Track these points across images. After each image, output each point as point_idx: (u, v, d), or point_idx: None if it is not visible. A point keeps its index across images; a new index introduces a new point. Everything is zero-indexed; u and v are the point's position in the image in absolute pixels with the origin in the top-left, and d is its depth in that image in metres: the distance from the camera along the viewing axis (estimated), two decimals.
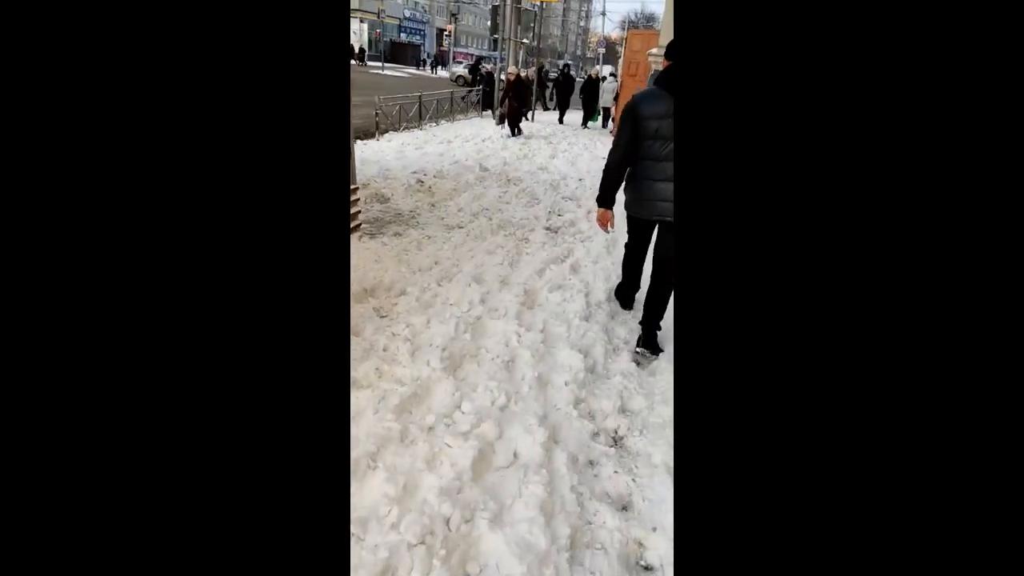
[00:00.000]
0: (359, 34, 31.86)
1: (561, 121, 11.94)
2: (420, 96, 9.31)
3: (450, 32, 35.84)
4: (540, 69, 13.42)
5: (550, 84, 14.38)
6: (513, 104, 8.83)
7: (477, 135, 8.68)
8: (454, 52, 34.12)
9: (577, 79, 13.91)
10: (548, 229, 4.24)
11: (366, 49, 29.15)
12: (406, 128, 8.82)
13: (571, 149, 8.36)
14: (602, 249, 3.80)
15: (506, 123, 9.09)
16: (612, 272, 3.36)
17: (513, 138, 8.69)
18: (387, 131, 8.35)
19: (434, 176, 5.50)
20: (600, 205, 2.47)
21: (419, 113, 9.29)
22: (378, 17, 31.85)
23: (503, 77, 10.82)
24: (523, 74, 12.37)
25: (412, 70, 30.05)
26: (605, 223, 2.49)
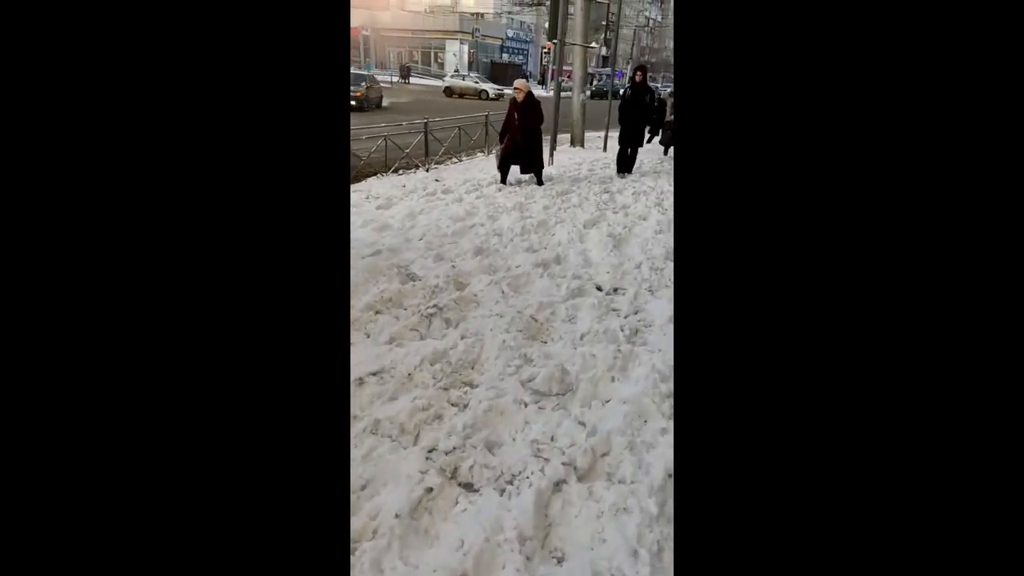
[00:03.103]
0: (458, 56, 30.73)
1: (626, 170, 6.54)
2: (426, 123, 6.60)
3: (549, 49, 33.46)
4: None
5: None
6: (514, 137, 5.44)
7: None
8: (552, 70, 31.69)
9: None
10: None
11: (416, 64, 27.06)
12: (402, 170, 6.15)
13: (633, 206, 5.07)
14: None
15: (516, 167, 5.72)
16: None
17: (541, 186, 5.61)
18: (365, 177, 5.74)
19: None
20: None
21: (424, 147, 6.58)
22: (473, 37, 30.47)
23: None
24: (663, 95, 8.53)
25: (510, 90, 27.97)
26: None
